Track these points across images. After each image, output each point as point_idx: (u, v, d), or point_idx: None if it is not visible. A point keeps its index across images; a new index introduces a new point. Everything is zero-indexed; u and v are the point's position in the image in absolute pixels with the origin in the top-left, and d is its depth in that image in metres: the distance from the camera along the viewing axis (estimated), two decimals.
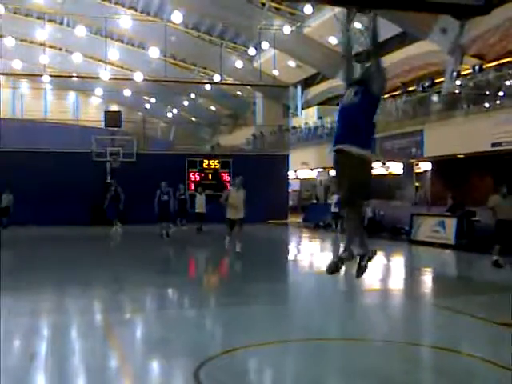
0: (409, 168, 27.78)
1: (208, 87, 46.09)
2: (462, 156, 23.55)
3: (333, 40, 33.76)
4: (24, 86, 56.62)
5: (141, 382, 5.46)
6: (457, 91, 25.01)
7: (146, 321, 8.17)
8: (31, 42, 47.31)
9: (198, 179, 28.83)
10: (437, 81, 28.86)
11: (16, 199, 23.89)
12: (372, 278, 12.45)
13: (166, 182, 20.03)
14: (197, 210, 22.29)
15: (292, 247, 20.30)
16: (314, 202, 32.75)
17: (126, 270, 12.83)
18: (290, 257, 16.48)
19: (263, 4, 34.65)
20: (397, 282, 12.39)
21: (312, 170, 36.84)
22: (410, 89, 31.48)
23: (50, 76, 45.56)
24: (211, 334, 7.54)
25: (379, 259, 16.64)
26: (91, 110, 57.06)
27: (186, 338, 6.91)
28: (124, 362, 6.00)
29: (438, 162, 25.74)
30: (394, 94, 33.37)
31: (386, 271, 14.22)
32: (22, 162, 25.42)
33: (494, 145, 20.73)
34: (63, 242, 20.00)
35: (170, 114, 60.18)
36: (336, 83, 36.56)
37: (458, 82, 25.79)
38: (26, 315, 8.02)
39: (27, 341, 6.88)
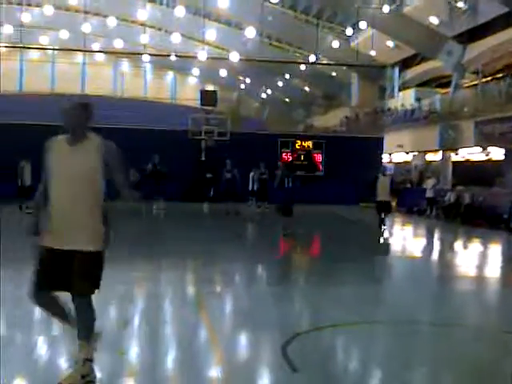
0: (511, 154, 26.48)
1: (303, 67, 45.76)
2: None
3: (434, 20, 32.57)
4: (125, 64, 58.51)
5: (229, 353, 5.51)
6: None
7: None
8: (132, 22, 48.73)
9: (289, 159, 28.77)
10: None
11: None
12: (467, 264, 12.04)
13: (230, 160, 20.17)
14: (379, 198, 15.33)
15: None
16: (408, 186, 31.92)
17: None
18: (381, 240, 16.14)
19: None
20: (493, 270, 11.86)
21: (407, 153, 35.92)
22: None
23: (150, 55, 46.87)
24: (299, 311, 7.53)
25: (476, 246, 16.05)
26: (188, 90, 58.30)
27: (275, 314, 6.93)
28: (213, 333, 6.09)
29: None
30: (497, 76, 31.85)
31: (482, 259, 13.70)
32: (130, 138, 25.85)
33: None
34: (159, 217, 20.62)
35: (264, 95, 60.37)
36: (436, 64, 35.33)
37: None
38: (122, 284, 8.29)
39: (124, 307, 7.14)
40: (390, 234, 16.00)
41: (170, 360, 5.21)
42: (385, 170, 17.06)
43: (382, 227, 15.22)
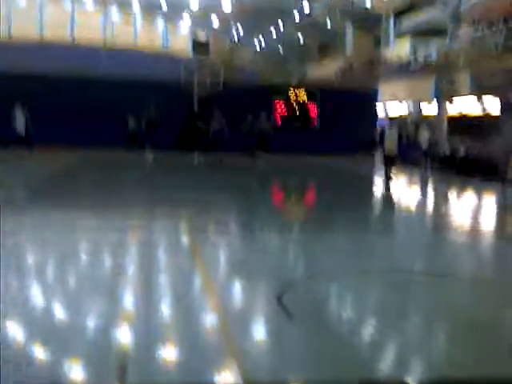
0: (507, 106, 26.25)
1: (297, 17, 44.96)
2: None
3: None
4: (114, 12, 57.23)
5: (225, 301, 5.45)
6: None
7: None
8: None
9: (284, 111, 28.42)
10: None
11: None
12: (461, 216, 12.03)
13: (219, 110, 20.19)
14: (387, 152, 15.86)
15: (378, 182, 19.85)
16: (404, 140, 31.70)
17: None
18: (377, 191, 16.10)
19: None
20: (487, 221, 11.85)
21: (401, 102, 35.60)
22: None
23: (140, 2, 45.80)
24: (295, 260, 7.48)
25: (470, 197, 16.05)
26: (179, 39, 57.29)
27: (270, 262, 6.87)
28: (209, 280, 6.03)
29: None
30: (493, 27, 31.33)
31: (477, 209, 13.69)
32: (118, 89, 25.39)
33: None
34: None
35: (257, 45, 59.55)
36: (432, 14, 34.72)
37: None
38: (116, 231, 8.20)
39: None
40: (387, 185, 15.96)
41: (166, 307, 5.16)
42: (391, 124, 17.11)
43: (389, 178, 15.46)
